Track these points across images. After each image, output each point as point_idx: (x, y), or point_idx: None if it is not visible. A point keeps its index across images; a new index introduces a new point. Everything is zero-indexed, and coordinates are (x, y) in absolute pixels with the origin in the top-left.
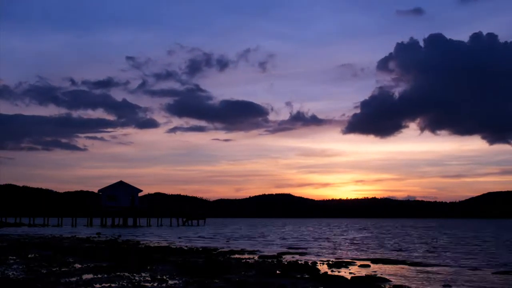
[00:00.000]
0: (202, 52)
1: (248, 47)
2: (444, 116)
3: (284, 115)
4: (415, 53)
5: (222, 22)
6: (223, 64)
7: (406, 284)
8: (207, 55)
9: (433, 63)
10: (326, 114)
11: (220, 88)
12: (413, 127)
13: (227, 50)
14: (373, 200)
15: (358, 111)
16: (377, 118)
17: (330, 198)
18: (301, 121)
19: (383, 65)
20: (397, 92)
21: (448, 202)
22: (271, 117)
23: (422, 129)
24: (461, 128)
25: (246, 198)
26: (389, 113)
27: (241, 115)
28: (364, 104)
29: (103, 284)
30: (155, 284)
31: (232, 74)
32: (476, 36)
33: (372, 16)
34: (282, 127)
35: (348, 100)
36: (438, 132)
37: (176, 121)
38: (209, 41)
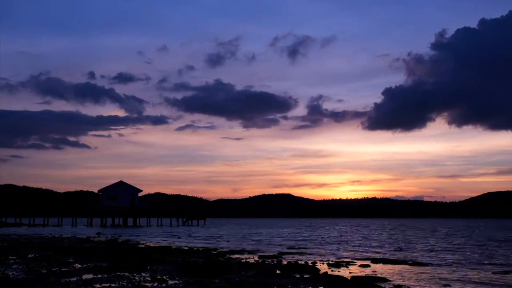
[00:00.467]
0: (220, 44)
1: (276, 36)
2: (474, 110)
3: (302, 111)
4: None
5: (246, 11)
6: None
7: (406, 284)
8: (226, 46)
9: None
10: (344, 110)
11: (240, 82)
12: (439, 121)
13: (250, 43)
14: (373, 200)
15: (381, 103)
16: (398, 112)
17: (334, 198)
18: (319, 118)
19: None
20: (423, 84)
21: (448, 202)
22: (290, 113)
23: (449, 123)
24: (492, 123)
25: (246, 198)
26: (413, 106)
27: (257, 110)
28: (387, 96)
29: (103, 284)
30: (155, 284)
31: (254, 68)
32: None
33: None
34: (299, 125)
35: (370, 96)
36: (465, 127)
37: (189, 118)
38: (229, 32)
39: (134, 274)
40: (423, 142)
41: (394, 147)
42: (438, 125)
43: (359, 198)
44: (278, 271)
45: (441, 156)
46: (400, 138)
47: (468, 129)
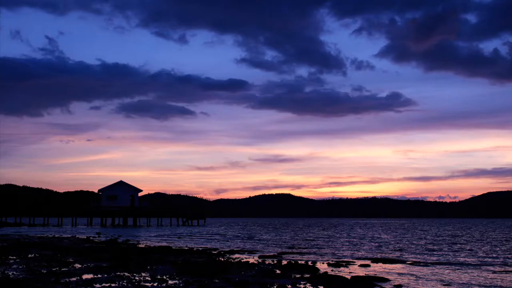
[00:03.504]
0: None
1: None
2: None
3: None
4: None
5: None
6: None
7: (406, 284)
8: None
9: None
10: None
11: None
12: None
13: None
14: (373, 199)
15: None
16: None
17: (330, 198)
18: None
19: None
20: None
21: (448, 202)
22: None
23: None
24: None
25: (246, 198)
26: None
27: None
28: None
29: (103, 284)
30: (155, 284)
31: None
32: None
33: None
34: None
35: None
36: None
37: None
38: None
39: (134, 274)
40: None
41: None
42: None
43: (359, 197)
44: (278, 271)
45: None
46: None
47: None
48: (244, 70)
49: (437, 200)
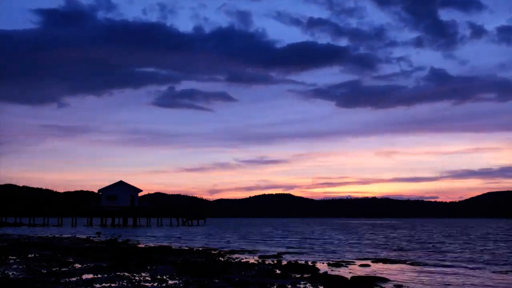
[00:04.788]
0: None
1: None
2: None
3: None
4: None
5: None
6: None
7: (406, 284)
8: None
9: None
10: None
11: None
12: None
13: None
14: (373, 199)
15: None
16: None
17: (331, 198)
18: None
19: None
20: None
21: (448, 202)
22: None
23: None
24: None
25: (246, 198)
26: None
27: None
28: None
29: (103, 284)
30: (155, 284)
31: None
32: None
33: None
34: None
35: None
36: None
37: None
38: None
39: (134, 274)
40: None
41: None
42: None
43: (359, 197)
44: (278, 271)
45: None
46: None
47: None
48: (321, 39)
49: (437, 200)
